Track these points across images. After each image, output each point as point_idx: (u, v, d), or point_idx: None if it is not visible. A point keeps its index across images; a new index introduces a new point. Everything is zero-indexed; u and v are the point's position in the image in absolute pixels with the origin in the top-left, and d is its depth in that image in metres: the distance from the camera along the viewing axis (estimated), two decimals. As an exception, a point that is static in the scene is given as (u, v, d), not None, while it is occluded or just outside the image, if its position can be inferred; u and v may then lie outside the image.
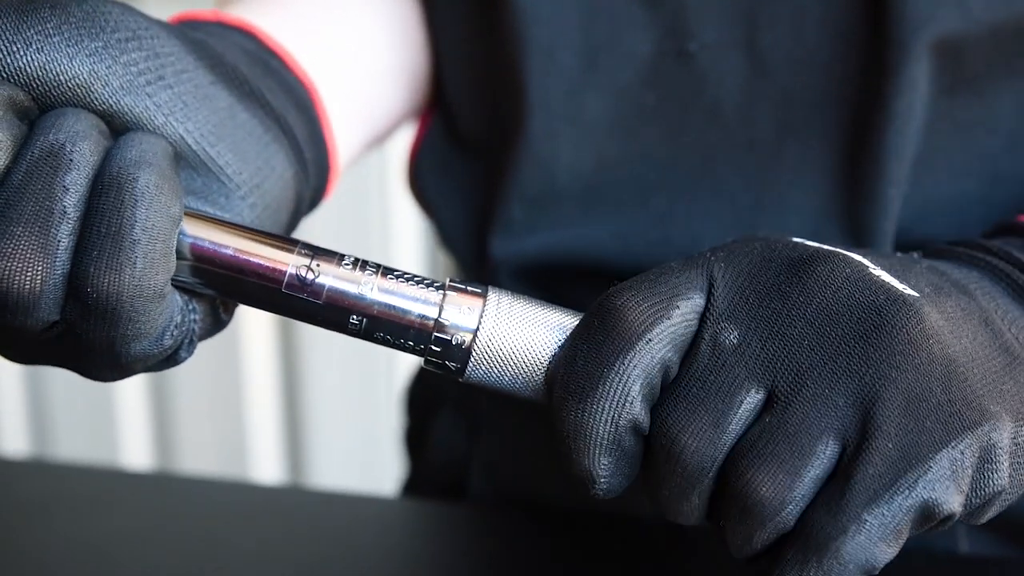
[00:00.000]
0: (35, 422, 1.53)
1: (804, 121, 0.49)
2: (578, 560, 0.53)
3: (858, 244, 0.49)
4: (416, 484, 0.68)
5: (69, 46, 0.34)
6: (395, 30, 0.55)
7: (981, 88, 0.48)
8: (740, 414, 0.33)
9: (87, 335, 0.34)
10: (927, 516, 0.32)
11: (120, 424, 1.47)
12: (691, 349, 0.34)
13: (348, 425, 1.39)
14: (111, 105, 0.34)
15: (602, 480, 0.36)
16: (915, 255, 0.39)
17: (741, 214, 0.50)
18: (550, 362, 0.37)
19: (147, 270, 0.33)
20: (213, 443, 1.44)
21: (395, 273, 0.37)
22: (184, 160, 0.36)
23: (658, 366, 0.34)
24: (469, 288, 0.38)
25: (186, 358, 0.37)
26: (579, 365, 0.35)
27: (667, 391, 0.34)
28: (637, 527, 0.54)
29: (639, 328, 0.34)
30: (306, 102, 0.44)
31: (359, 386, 1.37)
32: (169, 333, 0.36)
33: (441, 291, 0.37)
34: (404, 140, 0.62)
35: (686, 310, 0.34)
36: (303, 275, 0.36)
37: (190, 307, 0.37)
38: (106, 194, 0.33)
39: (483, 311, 0.37)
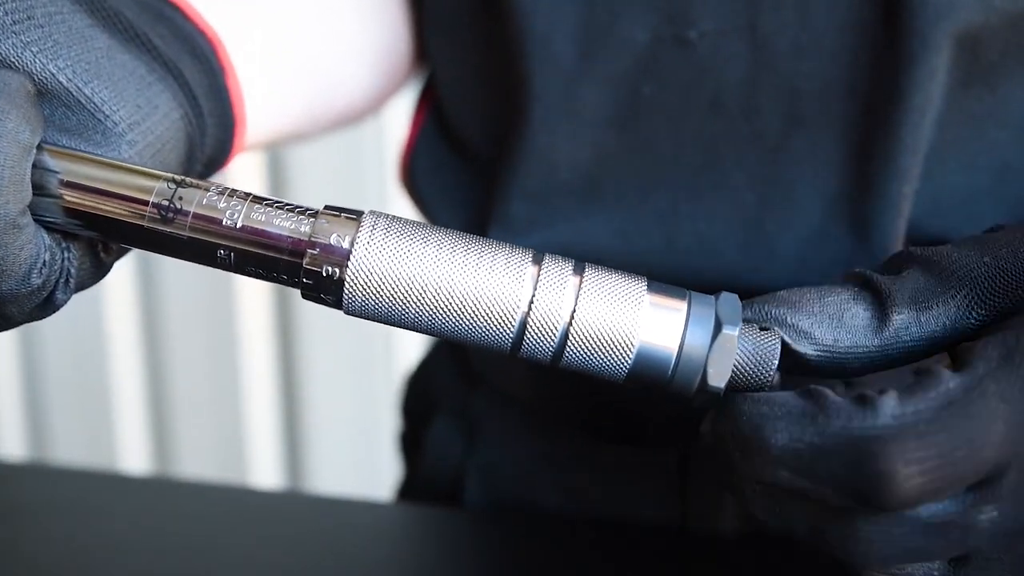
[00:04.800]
0: (32, 425, 1.52)
1: (811, 113, 0.47)
2: (573, 568, 0.52)
3: (867, 242, 0.48)
4: (412, 489, 0.67)
5: None
6: (363, 1, 0.55)
7: (994, 79, 0.47)
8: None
9: None
10: None
11: (118, 428, 1.46)
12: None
13: (346, 430, 1.39)
14: None
15: None
16: None
17: (746, 211, 0.49)
18: (429, 291, 0.34)
19: None
20: (211, 447, 1.44)
21: (266, 201, 0.35)
22: (57, 98, 0.36)
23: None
24: (344, 214, 0.35)
25: (64, 300, 0.37)
26: (832, 491, 0.32)
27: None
28: (633, 535, 0.54)
29: (906, 501, 0.31)
30: (205, 52, 0.43)
31: (357, 390, 1.36)
32: (37, 271, 0.35)
33: (313, 219, 0.35)
34: (401, 132, 0.61)
35: (966, 484, 0.32)
36: (165, 206, 0.35)
37: (63, 246, 0.36)
38: None
39: (355, 239, 0.34)
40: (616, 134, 0.50)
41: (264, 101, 0.48)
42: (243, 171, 1.28)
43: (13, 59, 0.35)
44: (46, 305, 0.37)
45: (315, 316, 1.33)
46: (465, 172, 0.56)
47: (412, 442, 0.67)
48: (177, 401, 1.44)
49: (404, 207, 1.35)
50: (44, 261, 0.35)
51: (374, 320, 0.35)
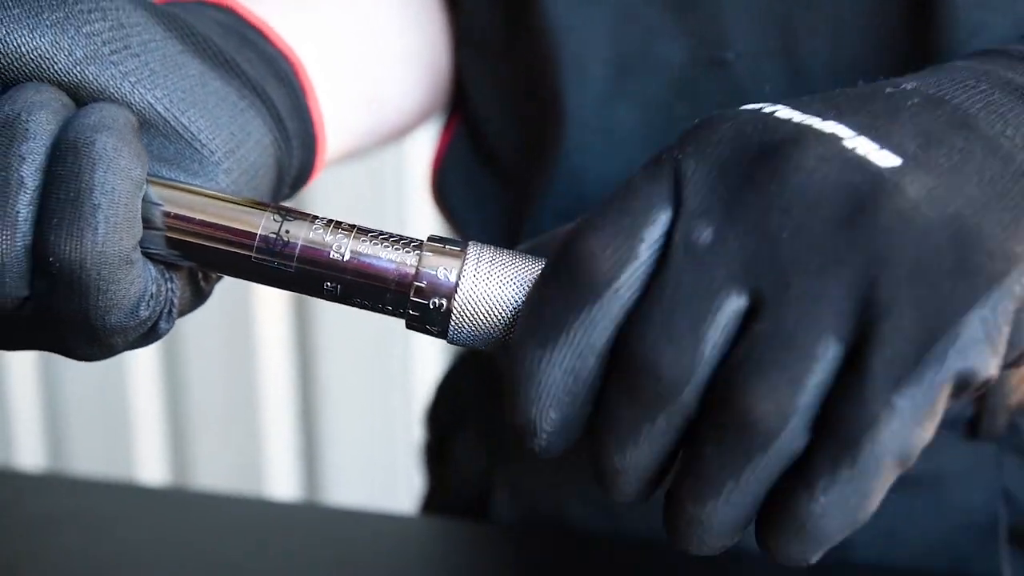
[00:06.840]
0: (50, 436, 1.53)
1: None
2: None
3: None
4: (435, 501, 0.67)
5: (29, 18, 0.34)
6: (409, 18, 0.55)
7: None
8: (721, 320, 0.30)
9: (58, 308, 0.34)
10: (962, 386, 0.29)
11: (136, 439, 1.47)
12: (662, 258, 0.31)
13: (365, 441, 1.39)
14: (76, 75, 0.34)
15: (544, 435, 0.32)
16: (911, 84, 0.35)
17: None
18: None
19: (110, 235, 0.33)
20: (229, 459, 1.44)
21: (371, 234, 0.36)
22: (155, 128, 0.36)
23: (628, 309, 0.31)
24: (448, 246, 0.36)
25: (167, 330, 0.37)
26: (543, 311, 0.32)
27: (636, 311, 0.31)
28: (662, 552, 0.53)
29: (605, 277, 0.31)
30: (288, 74, 0.43)
31: (376, 401, 1.36)
32: (145, 304, 0.35)
33: (418, 252, 0.35)
34: (420, 147, 0.61)
35: (654, 237, 0.31)
36: (273, 239, 0.35)
37: (167, 277, 0.36)
38: (63, 160, 0.33)
39: (461, 271, 0.35)
40: (649, 154, 0.50)
41: (335, 119, 0.48)
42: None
43: (112, 90, 0.35)
44: (149, 335, 0.37)
45: (332, 328, 1.34)
46: (496, 185, 0.56)
47: (437, 453, 0.67)
48: (194, 412, 1.45)
49: (424, 222, 1.35)
50: (151, 294, 0.35)
51: (475, 348, 0.36)
